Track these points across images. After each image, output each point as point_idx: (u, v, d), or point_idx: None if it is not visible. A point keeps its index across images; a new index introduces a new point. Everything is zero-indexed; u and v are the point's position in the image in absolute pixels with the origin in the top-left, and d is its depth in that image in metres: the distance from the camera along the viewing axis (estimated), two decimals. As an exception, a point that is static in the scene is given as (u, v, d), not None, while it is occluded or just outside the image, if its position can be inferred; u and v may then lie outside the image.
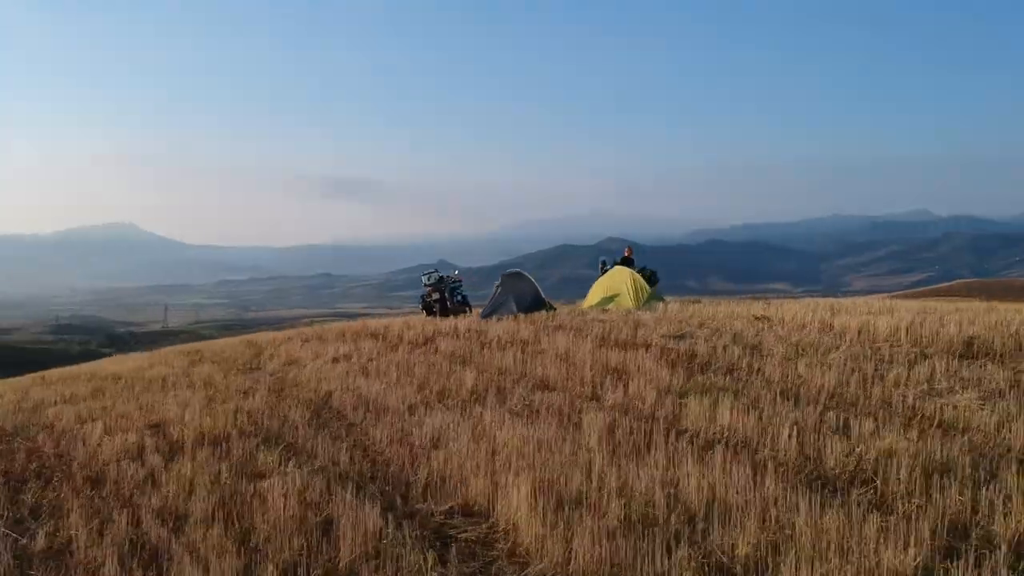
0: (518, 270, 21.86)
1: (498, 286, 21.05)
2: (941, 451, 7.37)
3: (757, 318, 15.91)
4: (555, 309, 20.88)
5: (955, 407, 8.92)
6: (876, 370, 10.73)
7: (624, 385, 10.94)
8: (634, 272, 22.11)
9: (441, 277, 22.93)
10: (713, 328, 14.86)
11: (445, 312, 22.23)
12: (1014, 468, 6.89)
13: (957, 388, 9.69)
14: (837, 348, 12.31)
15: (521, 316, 19.02)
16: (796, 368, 11.12)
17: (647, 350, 13.31)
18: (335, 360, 15.65)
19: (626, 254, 24.13)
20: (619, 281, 21.95)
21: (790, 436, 7.96)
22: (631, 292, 21.39)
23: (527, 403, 10.43)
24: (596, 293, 22.32)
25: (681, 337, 14.09)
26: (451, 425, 9.39)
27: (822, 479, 7.09)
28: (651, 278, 24.01)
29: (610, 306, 21.15)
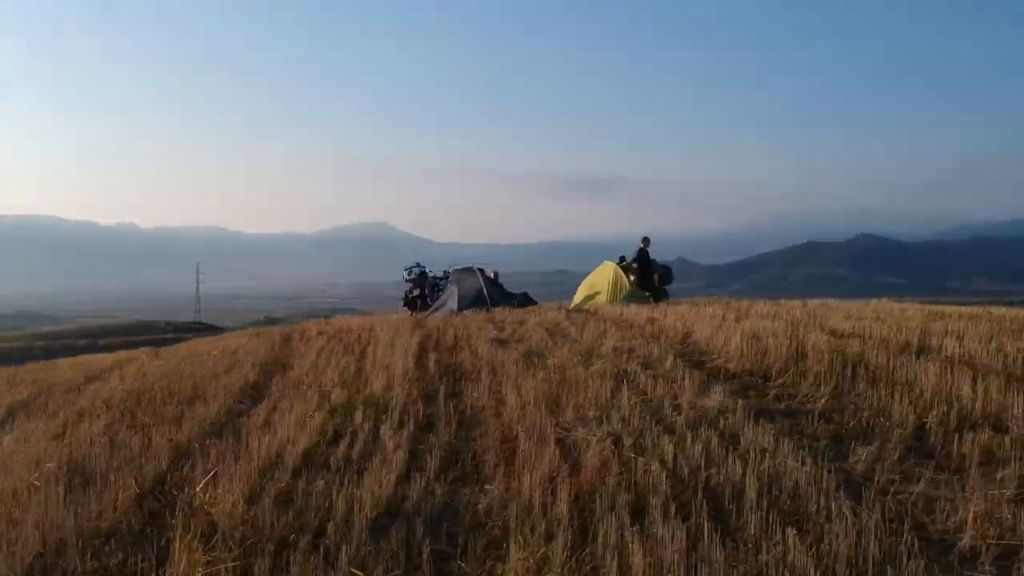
0: (470, 266, 20.36)
1: (451, 283, 19.76)
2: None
3: (650, 320, 13.55)
4: (530, 304, 19.41)
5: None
6: (590, 392, 8.52)
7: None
8: (618, 268, 19.91)
9: (422, 272, 21.77)
10: (562, 331, 12.83)
11: (426, 308, 21.13)
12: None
13: (628, 420, 7.43)
14: (630, 356, 10.06)
15: (459, 314, 17.66)
16: (518, 383, 9.12)
17: (451, 354, 11.74)
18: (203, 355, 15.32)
19: (641, 245, 21.58)
20: (602, 278, 19.93)
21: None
22: (609, 290, 19.32)
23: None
24: (582, 291, 20.40)
25: (505, 342, 12.25)
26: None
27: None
28: (667, 276, 21.57)
29: (589, 304, 19.21)
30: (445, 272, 22.26)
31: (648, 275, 20.94)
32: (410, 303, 21.75)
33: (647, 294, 19.74)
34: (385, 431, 7.53)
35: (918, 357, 9.15)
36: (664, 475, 5.83)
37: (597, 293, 19.58)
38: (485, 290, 19.27)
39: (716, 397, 7.93)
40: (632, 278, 20.79)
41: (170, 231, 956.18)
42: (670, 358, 9.80)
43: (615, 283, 19.37)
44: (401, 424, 7.81)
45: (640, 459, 6.22)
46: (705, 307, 16.55)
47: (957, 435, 6.60)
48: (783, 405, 7.88)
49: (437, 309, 18.99)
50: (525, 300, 21.10)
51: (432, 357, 11.43)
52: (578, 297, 20.28)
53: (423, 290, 21.41)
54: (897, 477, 5.94)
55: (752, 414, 7.48)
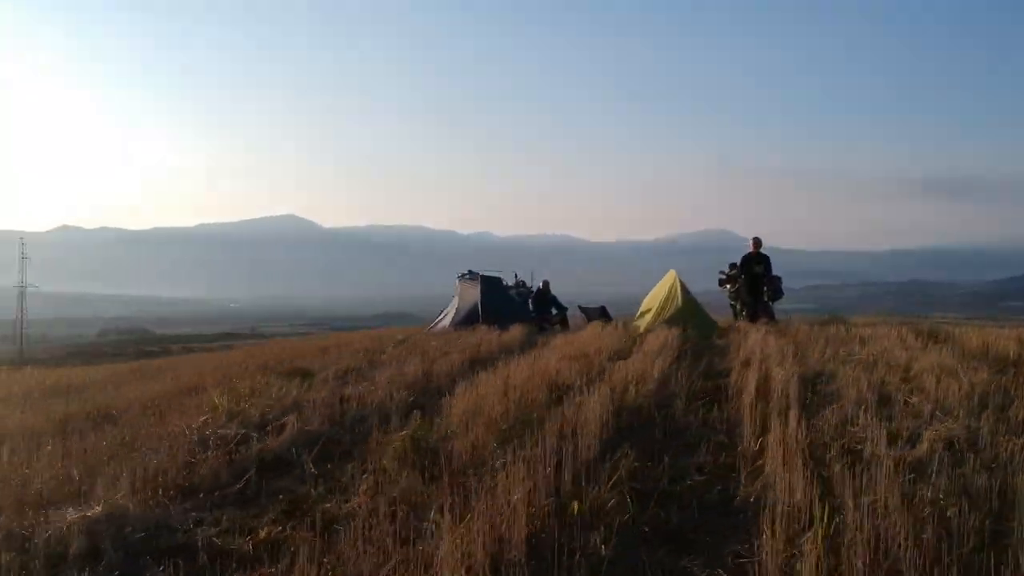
0: (480, 274, 17.13)
1: (455, 295, 16.88)
2: None
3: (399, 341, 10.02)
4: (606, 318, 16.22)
5: None
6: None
7: None
8: (678, 281, 15.62)
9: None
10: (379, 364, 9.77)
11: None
12: None
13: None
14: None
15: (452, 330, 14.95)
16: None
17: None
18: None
19: (750, 251, 17.09)
20: (658, 292, 15.78)
21: None
22: (658, 307, 15.21)
23: None
24: (643, 306, 16.40)
25: (291, 373, 9.53)
26: None
27: None
28: (777, 291, 16.85)
29: (638, 322, 15.36)
30: (518, 280, 19.32)
31: (756, 288, 16.52)
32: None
33: (740, 309, 15.71)
34: None
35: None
36: None
37: (648, 310, 15.58)
38: (480, 304, 16.17)
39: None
40: (737, 288, 16.62)
41: (521, 239, 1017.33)
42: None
43: (666, 299, 15.24)
44: None
45: None
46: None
47: None
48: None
49: (434, 324, 16.36)
50: (603, 313, 17.67)
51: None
52: (639, 313, 16.44)
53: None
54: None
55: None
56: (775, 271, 17.06)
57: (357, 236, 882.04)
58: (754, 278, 16.48)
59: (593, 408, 5.95)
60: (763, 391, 6.85)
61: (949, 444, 5.06)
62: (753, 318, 16.17)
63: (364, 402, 7.34)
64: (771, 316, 16.32)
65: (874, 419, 5.63)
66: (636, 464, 4.95)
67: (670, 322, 14.33)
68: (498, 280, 17.61)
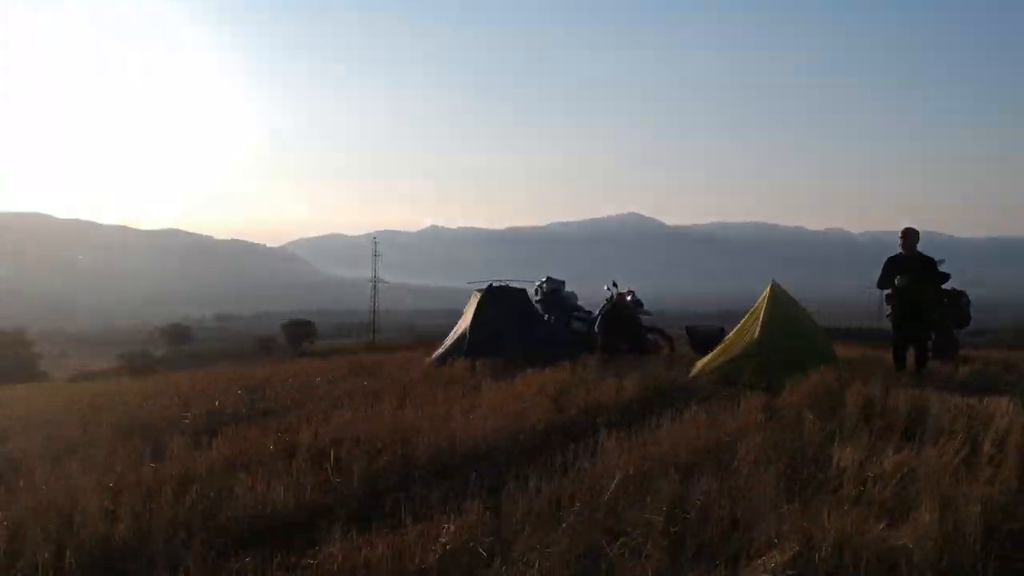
0: (491, 283, 12.95)
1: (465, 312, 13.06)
2: None
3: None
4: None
5: None
6: None
7: None
8: (767, 301, 10.61)
9: (555, 290, 14.68)
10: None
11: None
12: None
13: None
14: None
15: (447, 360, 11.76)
16: None
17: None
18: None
19: (901, 248, 11.29)
20: (742, 323, 10.87)
21: None
22: (731, 339, 10.66)
23: None
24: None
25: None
26: None
27: None
28: (961, 312, 11.38)
29: (701, 366, 10.76)
30: (620, 292, 14.72)
31: (911, 310, 10.85)
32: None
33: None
34: None
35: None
36: None
37: (727, 343, 10.90)
38: (468, 335, 12.20)
39: None
40: (890, 309, 11.15)
41: (880, 236, 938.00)
42: None
43: (742, 328, 10.60)
44: None
45: None
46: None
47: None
48: None
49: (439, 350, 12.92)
50: (719, 336, 12.98)
51: None
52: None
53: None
54: None
55: None
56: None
57: (701, 234, 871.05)
58: (902, 293, 10.80)
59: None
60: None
61: None
62: (901, 357, 10.73)
63: None
64: (946, 355, 10.91)
65: None
66: None
67: (738, 362, 9.84)
68: (510, 291, 13.09)
